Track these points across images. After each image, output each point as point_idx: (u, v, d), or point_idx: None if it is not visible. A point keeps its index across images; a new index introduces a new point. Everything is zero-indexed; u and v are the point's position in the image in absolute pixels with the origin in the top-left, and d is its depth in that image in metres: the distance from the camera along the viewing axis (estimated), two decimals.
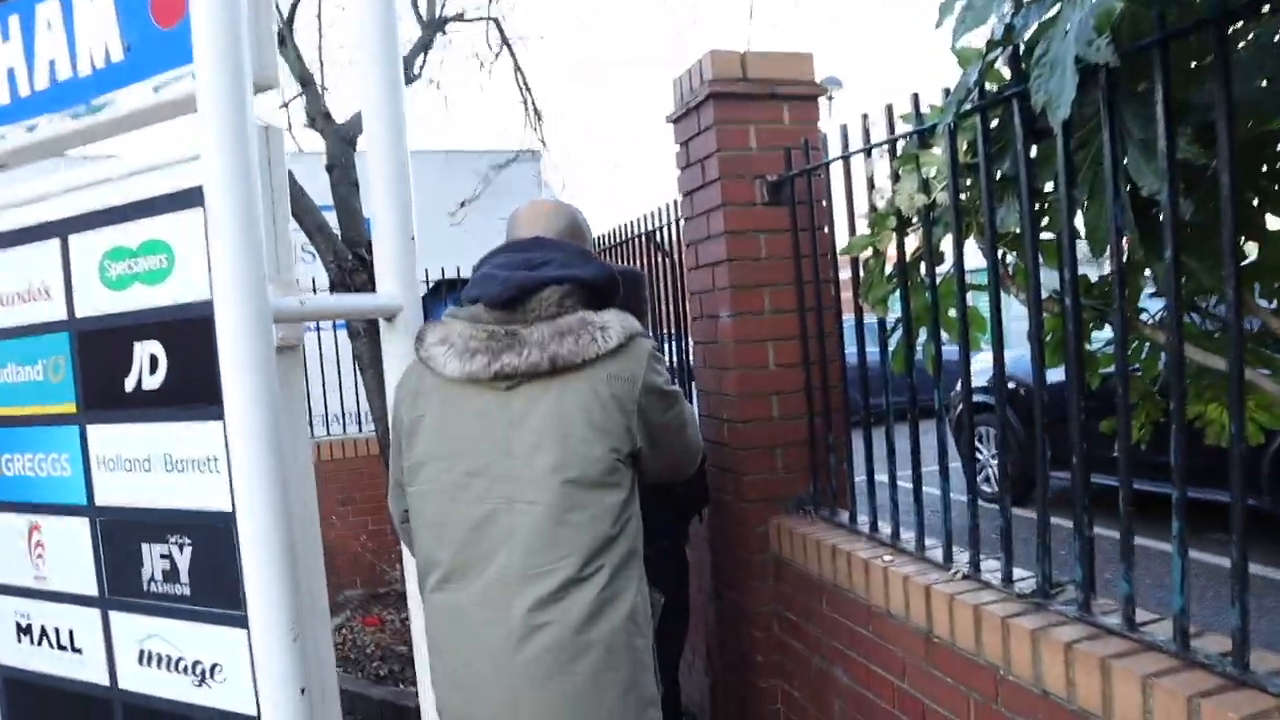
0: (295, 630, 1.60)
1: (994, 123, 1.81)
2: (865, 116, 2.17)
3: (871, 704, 2.23)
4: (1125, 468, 1.58)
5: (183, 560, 1.84)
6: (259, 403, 1.56)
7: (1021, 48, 1.60)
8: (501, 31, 6.15)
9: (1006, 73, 1.73)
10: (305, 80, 4.79)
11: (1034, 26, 1.37)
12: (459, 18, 5.98)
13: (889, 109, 2.10)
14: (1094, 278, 1.82)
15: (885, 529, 2.36)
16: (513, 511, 1.57)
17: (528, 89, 6.24)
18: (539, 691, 1.53)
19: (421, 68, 6.13)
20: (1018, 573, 1.90)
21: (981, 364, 2.73)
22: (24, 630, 2.13)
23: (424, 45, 5.83)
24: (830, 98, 15.15)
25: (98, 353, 1.90)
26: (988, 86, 1.75)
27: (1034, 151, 1.69)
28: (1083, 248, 1.64)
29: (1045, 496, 1.80)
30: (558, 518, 1.54)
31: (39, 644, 2.09)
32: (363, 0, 1.88)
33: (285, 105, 5.75)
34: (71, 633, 2.02)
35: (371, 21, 1.88)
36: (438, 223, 6.50)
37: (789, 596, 2.65)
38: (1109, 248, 1.54)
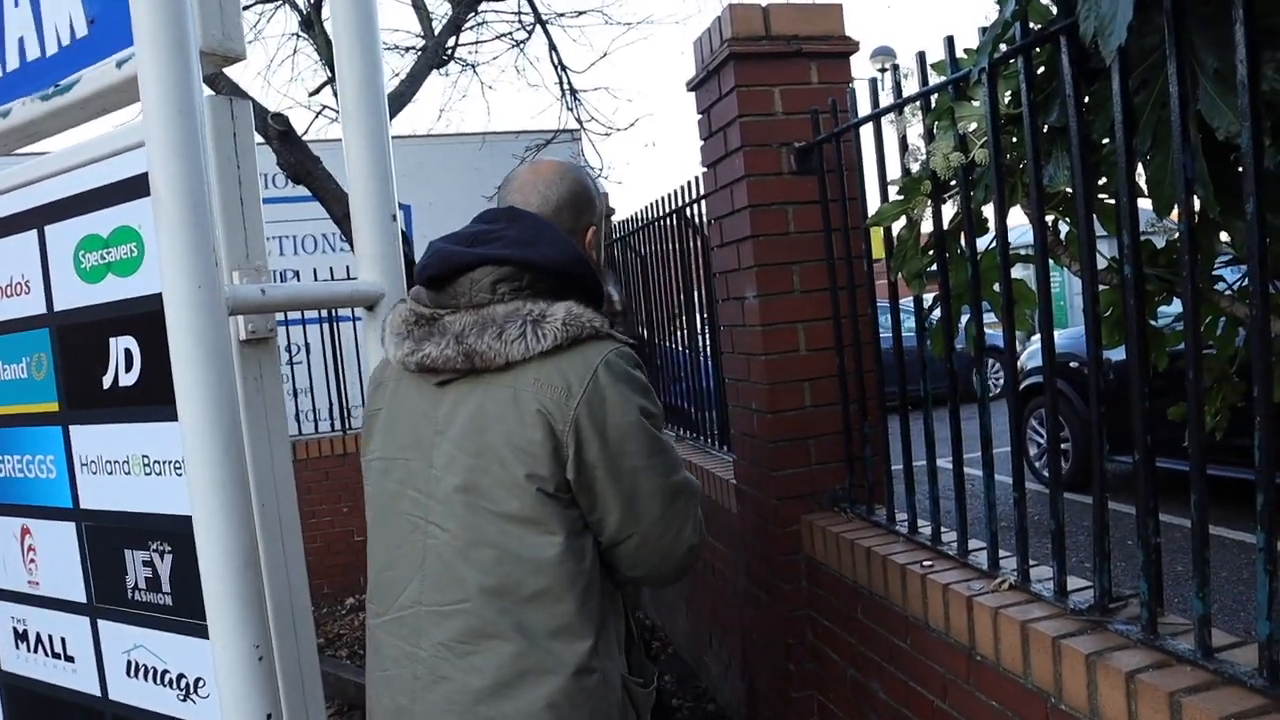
0: (260, 649, 1.46)
1: (1040, 69, 1.58)
2: (896, 68, 1.94)
3: None
4: (1198, 466, 1.34)
5: (164, 568, 1.77)
6: (213, 400, 1.42)
7: None
8: (535, 9, 5.99)
9: (1054, 9, 1.50)
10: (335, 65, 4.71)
11: None
12: None
13: (920, 56, 1.87)
14: (1160, 243, 1.59)
15: (925, 528, 2.15)
16: (427, 534, 1.32)
17: (563, 68, 6.08)
18: None
19: (454, 49, 6.02)
20: (1073, 582, 1.68)
21: (1036, 344, 2.50)
22: (20, 636, 2.08)
23: (455, 25, 5.72)
24: (884, 69, 14.72)
25: (76, 349, 1.85)
26: (1032, 25, 1.52)
27: (1086, 98, 1.46)
28: (1146, 208, 1.40)
29: (1103, 498, 1.57)
30: (462, 551, 1.27)
31: (34, 651, 2.06)
32: None
33: (315, 92, 5.68)
34: (64, 640, 1.98)
35: None
36: (476, 207, 6.40)
37: (823, 601, 2.46)
38: (1177, 206, 1.30)
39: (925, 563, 1.98)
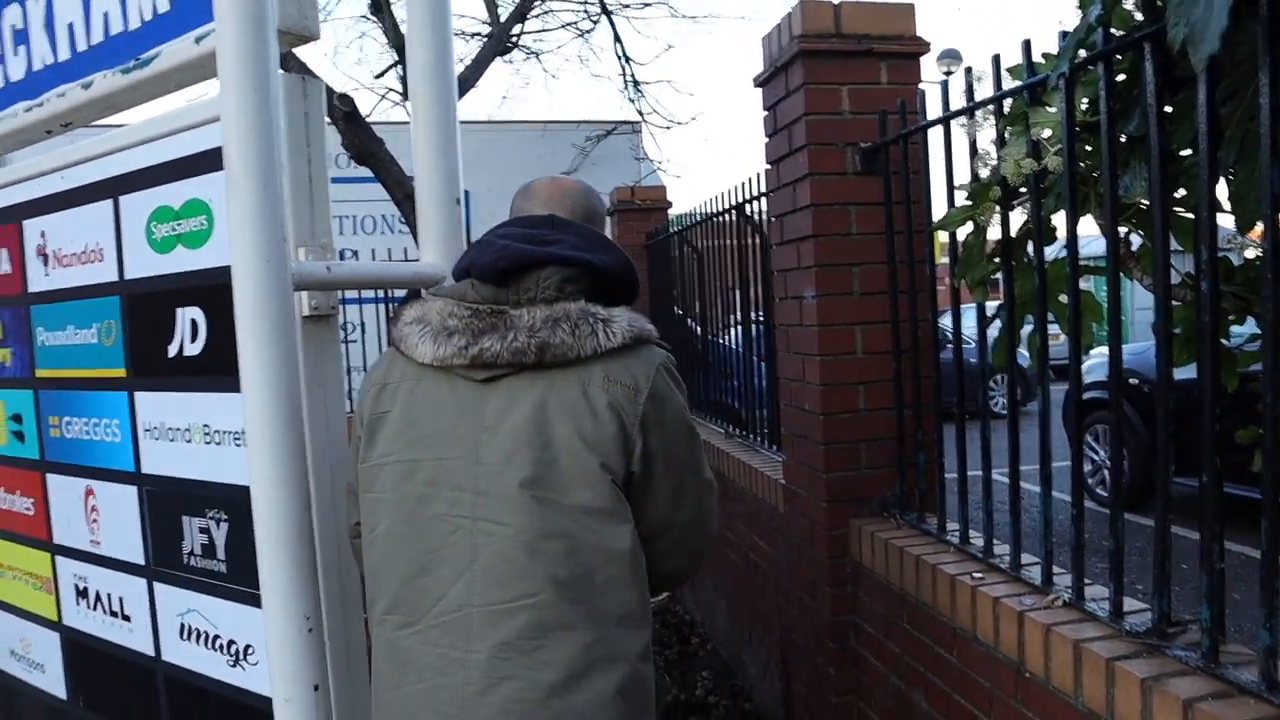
0: (310, 621, 1.49)
1: (1120, 77, 1.54)
2: (969, 71, 1.90)
3: None
4: (1271, 495, 1.29)
5: (219, 536, 1.80)
6: (275, 372, 1.45)
7: None
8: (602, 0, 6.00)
9: (1138, 16, 1.46)
10: (402, 49, 4.76)
11: None
12: None
13: (995, 59, 1.83)
14: (1237, 261, 1.54)
15: (977, 540, 2.11)
16: (476, 532, 1.29)
17: (627, 59, 6.08)
18: None
19: (519, 36, 6.05)
20: (1130, 603, 1.64)
21: (1097, 358, 2.44)
22: (81, 593, 2.15)
23: (521, 13, 5.74)
24: (950, 72, 14.45)
25: (144, 317, 1.88)
26: (1114, 31, 1.48)
27: (1169, 107, 1.42)
28: (1224, 225, 1.36)
29: (1166, 522, 1.53)
30: (530, 545, 1.25)
31: (94, 608, 2.11)
32: None
33: (381, 75, 5.74)
34: (122, 600, 2.03)
35: None
36: None
37: (867, 607, 2.43)
38: (1261, 222, 1.26)
39: (976, 574, 1.95)
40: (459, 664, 1.27)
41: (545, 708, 1.23)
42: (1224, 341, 1.56)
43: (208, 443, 1.79)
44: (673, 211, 6.14)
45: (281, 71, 1.52)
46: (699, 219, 4.46)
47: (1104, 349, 1.79)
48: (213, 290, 1.70)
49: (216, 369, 1.71)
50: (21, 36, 1.95)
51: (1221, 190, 1.38)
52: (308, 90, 1.66)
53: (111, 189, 1.89)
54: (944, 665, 2.03)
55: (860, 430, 2.52)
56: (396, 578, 1.35)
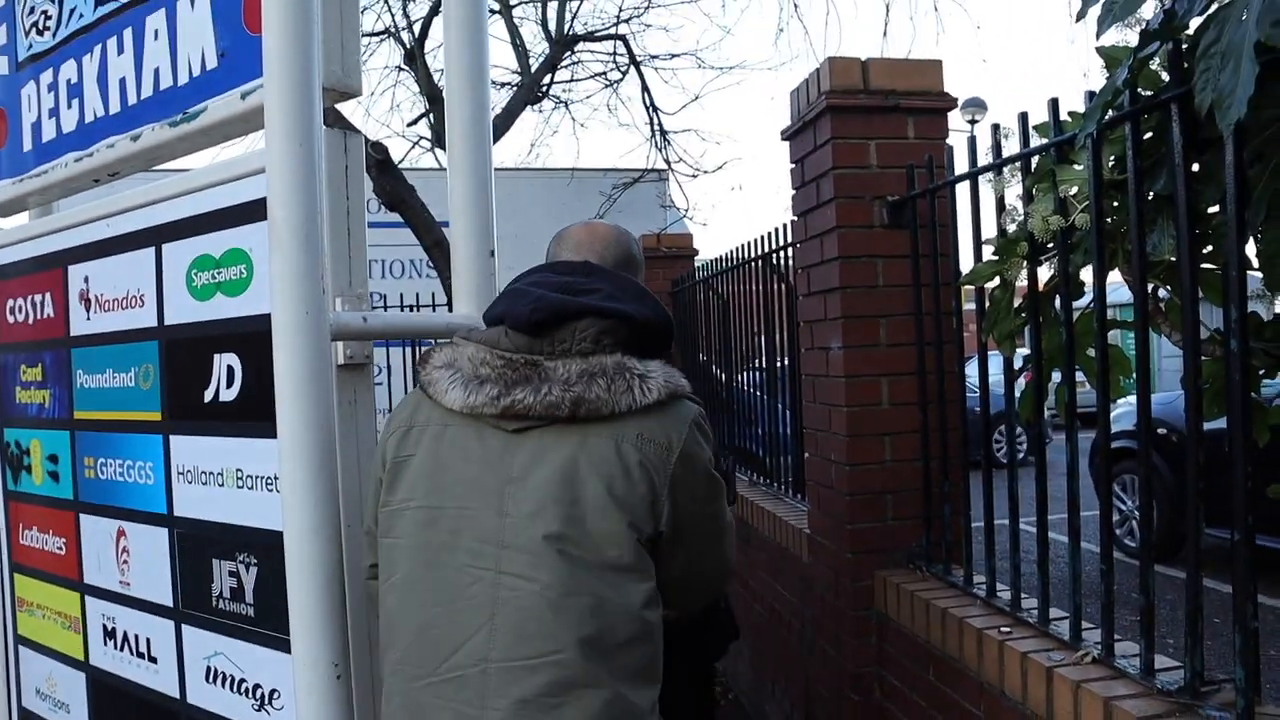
0: (339, 667, 1.50)
1: (1147, 136, 1.55)
2: (997, 128, 1.93)
3: None
4: None
5: (249, 579, 1.81)
6: (312, 420, 1.47)
7: (1185, 44, 1.35)
8: (630, 51, 6.11)
9: (1164, 76, 1.48)
10: (434, 98, 4.86)
11: (1202, 12, 1.13)
12: (589, 36, 5.99)
13: (1023, 117, 1.86)
14: (1265, 315, 1.54)
15: (1005, 593, 2.09)
16: (499, 586, 1.26)
17: (654, 109, 6.18)
18: None
19: (549, 86, 6.17)
20: (1161, 660, 1.62)
21: (1124, 407, 2.42)
22: (109, 634, 2.15)
23: (552, 64, 5.86)
24: (974, 121, 14.54)
25: (181, 362, 1.91)
26: (1141, 91, 1.50)
27: (1195, 166, 1.43)
28: (1253, 281, 1.36)
29: (1198, 577, 1.52)
30: (554, 601, 1.23)
31: (121, 649, 2.12)
32: (449, 2, 1.80)
33: (413, 123, 5.87)
34: (149, 641, 2.03)
35: (457, 21, 1.79)
36: None
37: (892, 659, 2.41)
38: None
39: (1004, 628, 1.93)
40: None
41: None
42: (1254, 395, 1.55)
43: (240, 487, 1.80)
44: (698, 259, 6.19)
45: (324, 126, 1.57)
46: (725, 267, 4.50)
47: (1131, 398, 1.78)
48: (250, 338, 1.72)
49: (251, 415, 1.73)
50: (75, 90, 2.01)
51: (1251, 249, 1.38)
52: (349, 145, 1.70)
53: (154, 237, 1.92)
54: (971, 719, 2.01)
55: (886, 481, 2.51)
56: (411, 627, 1.32)
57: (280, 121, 1.47)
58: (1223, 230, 1.39)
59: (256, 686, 1.78)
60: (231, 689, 1.83)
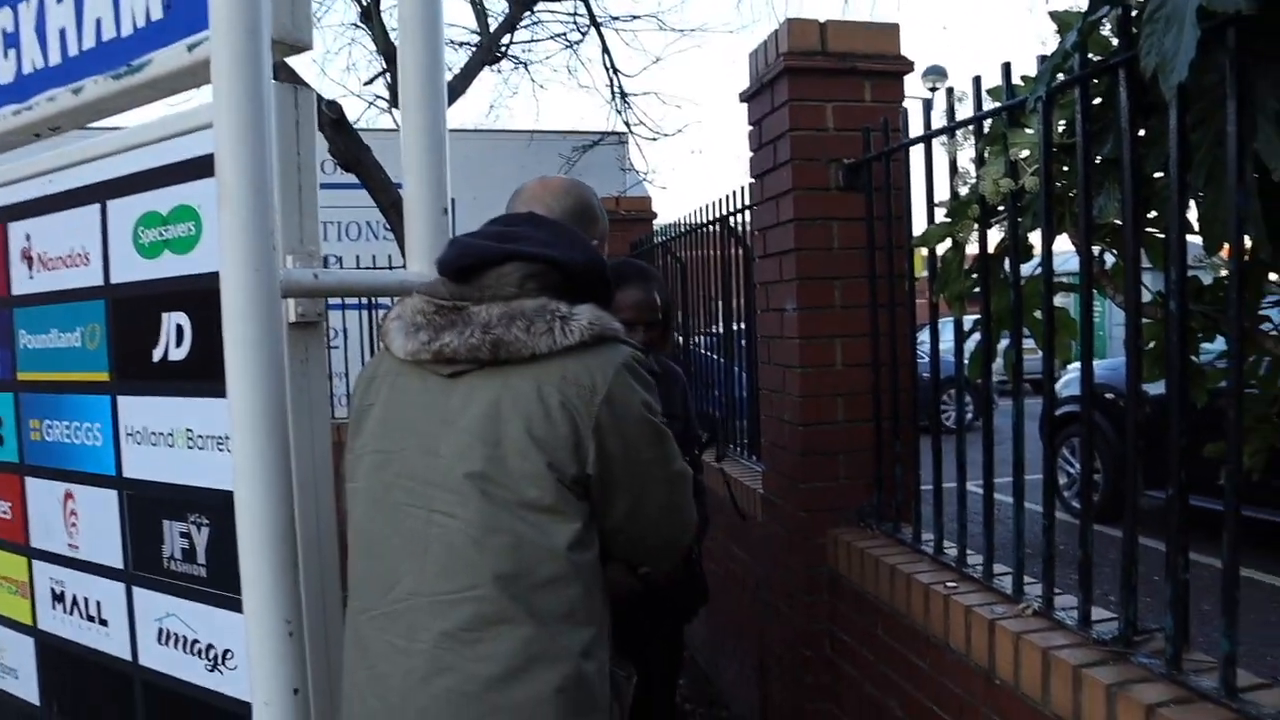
0: (291, 625, 1.50)
1: (1097, 100, 1.58)
2: (950, 91, 1.95)
3: None
4: (1232, 508, 1.33)
5: (200, 540, 1.80)
6: (261, 378, 1.46)
7: (1134, 8, 1.37)
8: (591, 11, 6.04)
9: (1114, 41, 1.50)
10: (391, 56, 4.77)
11: None
12: None
13: (976, 81, 1.87)
14: (1207, 280, 1.58)
15: (951, 550, 2.14)
16: (431, 524, 1.30)
17: (615, 70, 6.12)
18: None
19: (508, 46, 6.09)
20: (1098, 612, 1.67)
21: (1074, 373, 2.47)
22: (57, 597, 2.13)
23: (511, 23, 5.78)
24: (935, 88, 14.60)
25: (129, 322, 1.88)
26: (1091, 56, 1.52)
27: (1142, 131, 1.46)
28: (1193, 242, 1.40)
29: (1134, 531, 1.57)
30: (476, 538, 1.26)
31: (70, 612, 2.10)
32: None
33: (369, 82, 5.77)
34: (99, 604, 2.02)
35: None
36: None
37: (844, 616, 2.46)
38: (1227, 244, 1.30)
39: (949, 584, 1.98)
40: (404, 652, 1.28)
41: (482, 701, 1.23)
42: (1193, 358, 1.60)
43: (190, 447, 1.79)
44: (658, 222, 6.18)
45: (274, 80, 1.54)
46: (684, 230, 4.49)
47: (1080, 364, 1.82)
48: (199, 296, 1.70)
49: (201, 374, 1.71)
50: (12, 40, 1.95)
51: (1192, 212, 1.42)
52: (299, 99, 1.67)
53: (99, 193, 1.88)
54: (917, 673, 2.06)
55: (839, 441, 2.55)
56: (362, 564, 1.38)
57: (228, 74, 1.43)
58: (1166, 194, 1.42)
59: (210, 647, 1.78)
60: (185, 650, 1.82)
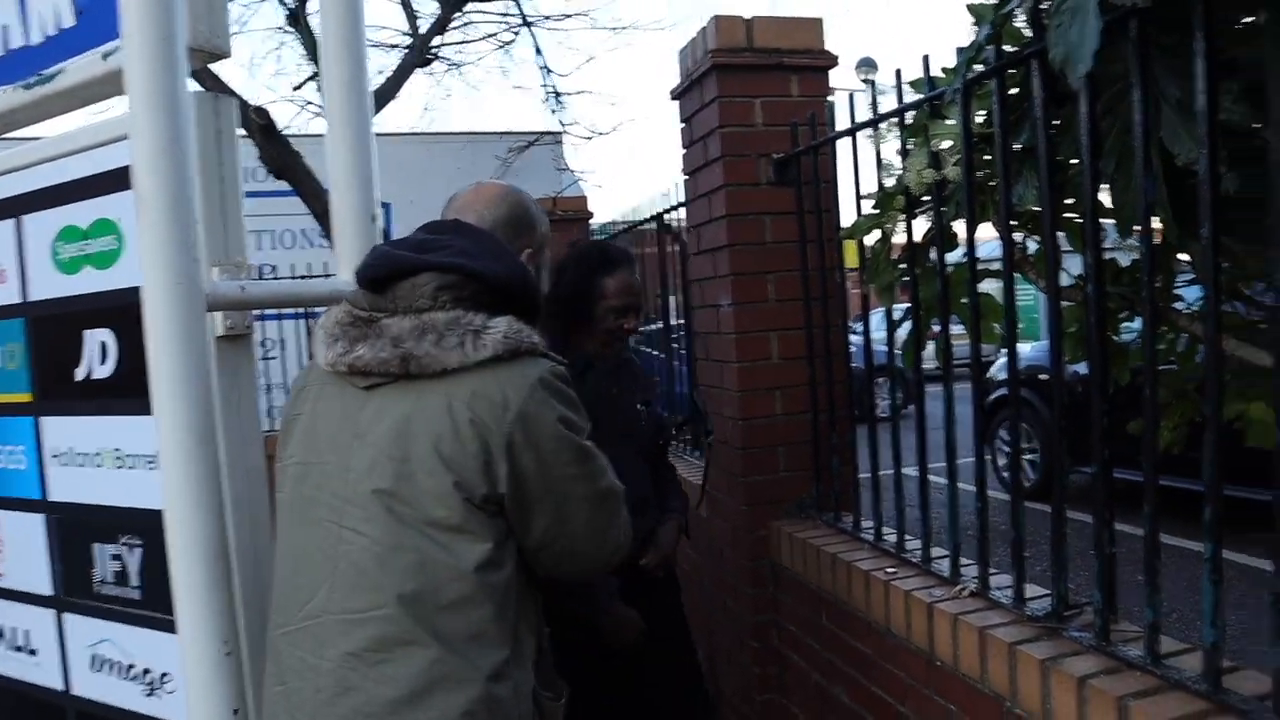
0: (228, 644, 1.47)
1: (1013, 91, 1.62)
2: (873, 84, 1.98)
3: None
4: (1152, 480, 1.38)
5: (133, 562, 1.76)
6: (189, 394, 1.43)
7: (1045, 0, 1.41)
8: (522, 10, 6.01)
9: (1028, 33, 1.54)
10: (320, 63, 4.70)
11: None
12: None
13: (898, 74, 1.91)
14: (1125, 262, 1.63)
15: (891, 536, 2.18)
16: (340, 540, 1.26)
17: (548, 70, 6.10)
18: None
19: (439, 48, 6.03)
20: (1032, 590, 1.72)
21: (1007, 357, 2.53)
22: None
23: (441, 24, 5.72)
24: (869, 81, 14.83)
25: (50, 340, 1.83)
26: (1006, 47, 1.56)
27: (1056, 120, 1.50)
28: (1110, 228, 1.45)
29: (1062, 509, 1.62)
30: (380, 556, 1.22)
31: None
32: None
33: (299, 87, 5.67)
34: (28, 633, 1.95)
35: None
36: None
37: (788, 607, 2.49)
38: (1138, 227, 1.34)
39: (889, 570, 2.01)
40: (314, 669, 1.25)
41: (391, 718, 1.20)
42: (1114, 337, 1.65)
43: (119, 467, 1.74)
44: (594, 222, 6.18)
45: (193, 89, 1.50)
46: (621, 229, 4.50)
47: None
48: (123, 311, 1.65)
49: (127, 391, 1.67)
50: None
51: (1105, 197, 1.46)
52: (219, 108, 1.64)
53: (14, 208, 1.83)
54: (861, 659, 2.09)
55: (778, 435, 2.58)
56: (281, 578, 1.36)
57: (142, 83, 1.40)
58: (1080, 180, 1.47)
59: (146, 671, 1.74)
60: (120, 675, 1.78)
